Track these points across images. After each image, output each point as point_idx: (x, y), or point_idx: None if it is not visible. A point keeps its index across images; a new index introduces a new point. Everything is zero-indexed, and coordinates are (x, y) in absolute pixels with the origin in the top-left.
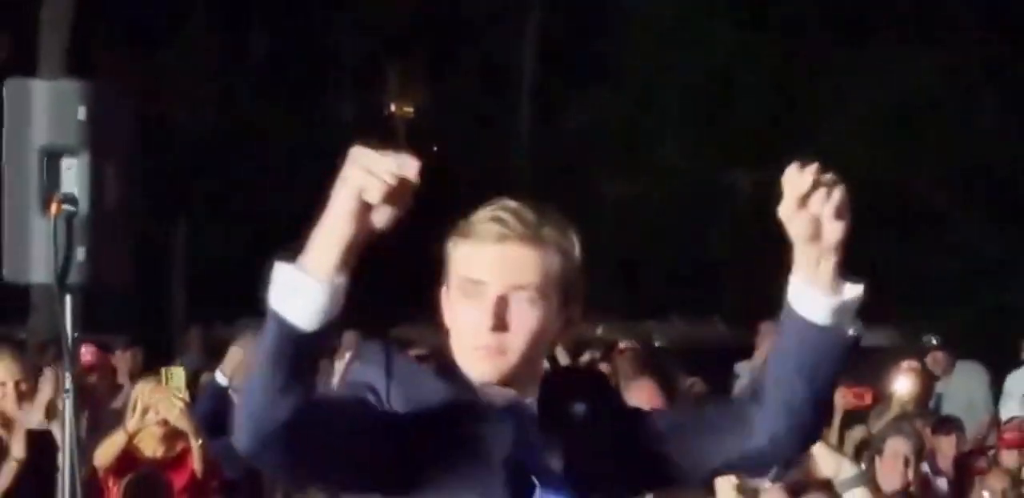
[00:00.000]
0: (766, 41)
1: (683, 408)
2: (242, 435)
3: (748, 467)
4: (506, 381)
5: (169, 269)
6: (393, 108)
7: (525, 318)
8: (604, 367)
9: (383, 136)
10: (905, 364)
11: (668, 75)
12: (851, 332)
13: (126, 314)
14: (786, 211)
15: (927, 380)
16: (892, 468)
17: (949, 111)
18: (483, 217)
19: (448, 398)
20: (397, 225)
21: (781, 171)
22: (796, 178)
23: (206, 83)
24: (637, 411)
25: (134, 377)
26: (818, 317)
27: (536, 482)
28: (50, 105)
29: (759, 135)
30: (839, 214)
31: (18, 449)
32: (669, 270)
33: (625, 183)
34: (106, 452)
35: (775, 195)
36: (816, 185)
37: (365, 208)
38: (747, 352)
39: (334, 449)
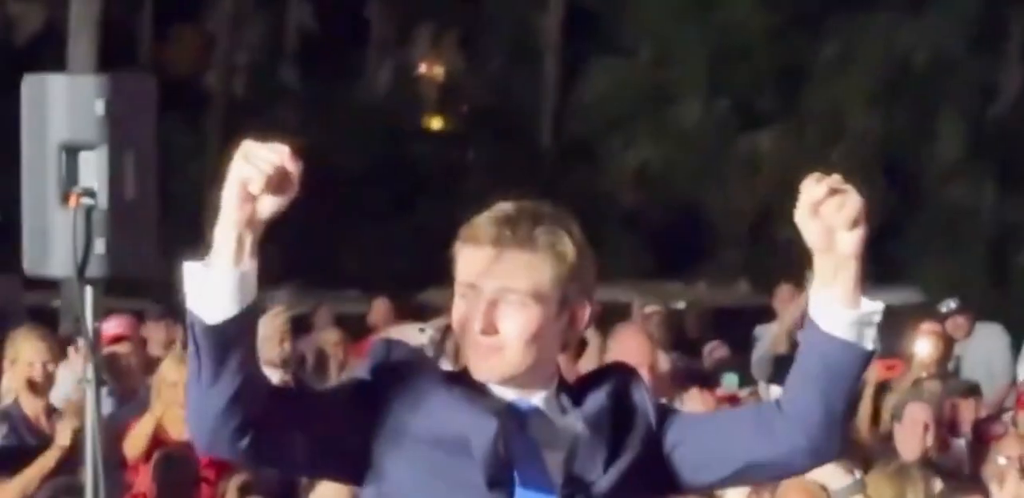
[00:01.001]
0: (781, 3)
1: (707, 415)
2: (193, 433)
3: (770, 474)
4: (507, 381)
5: (200, 234)
6: (423, 70)
7: (515, 320)
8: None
9: (414, 98)
10: (925, 327)
11: (687, 41)
12: (870, 347)
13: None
14: (800, 218)
15: (946, 343)
16: (911, 434)
17: (965, 70)
18: (482, 221)
19: (439, 396)
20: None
21: (800, 133)
22: (811, 186)
23: (241, 50)
24: (665, 411)
25: (168, 348)
26: (838, 330)
27: (516, 479)
28: (68, 100)
29: (779, 98)
30: (853, 224)
31: (63, 436)
32: (693, 233)
33: (648, 147)
34: (136, 443)
35: (795, 157)
36: (830, 194)
37: (250, 197)
38: (771, 315)
39: (287, 436)
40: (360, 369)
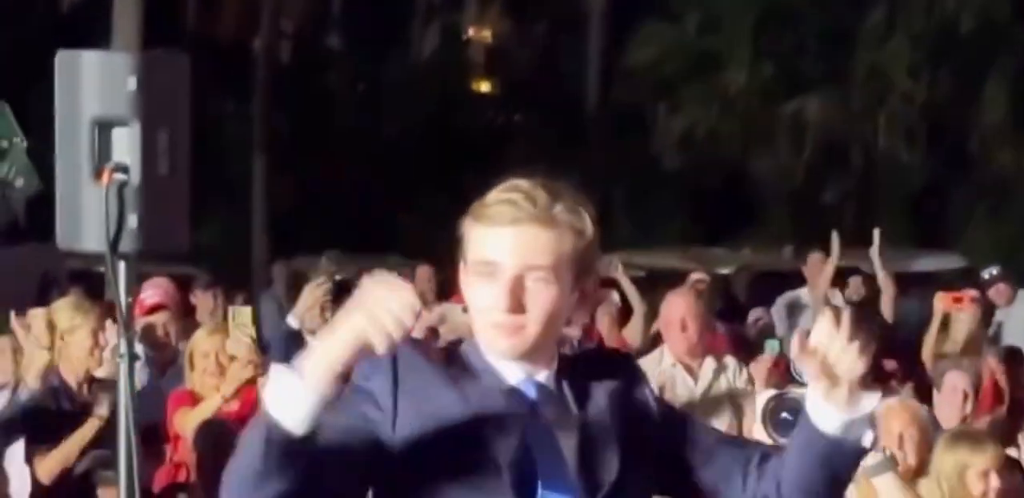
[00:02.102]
0: None
1: (706, 427)
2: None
3: None
4: (523, 357)
5: (248, 203)
6: (471, 33)
7: (540, 298)
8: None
9: (461, 63)
10: (964, 293)
11: (733, 6)
12: (863, 443)
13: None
14: (798, 353)
15: (986, 309)
16: (950, 402)
17: (1012, 34)
18: (495, 199)
19: (455, 410)
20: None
21: (846, 98)
22: (823, 334)
23: (287, 16)
24: (660, 405)
25: (215, 317)
26: (831, 429)
27: (540, 485)
28: (100, 76)
29: (824, 63)
30: (854, 367)
31: (101, 407)
32: (739, 198)
33: (694, 112)
34: (189, 421)
35: (841, 122)
36: (837, 347)
37: (366, 350)
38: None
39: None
40: (367, 380)
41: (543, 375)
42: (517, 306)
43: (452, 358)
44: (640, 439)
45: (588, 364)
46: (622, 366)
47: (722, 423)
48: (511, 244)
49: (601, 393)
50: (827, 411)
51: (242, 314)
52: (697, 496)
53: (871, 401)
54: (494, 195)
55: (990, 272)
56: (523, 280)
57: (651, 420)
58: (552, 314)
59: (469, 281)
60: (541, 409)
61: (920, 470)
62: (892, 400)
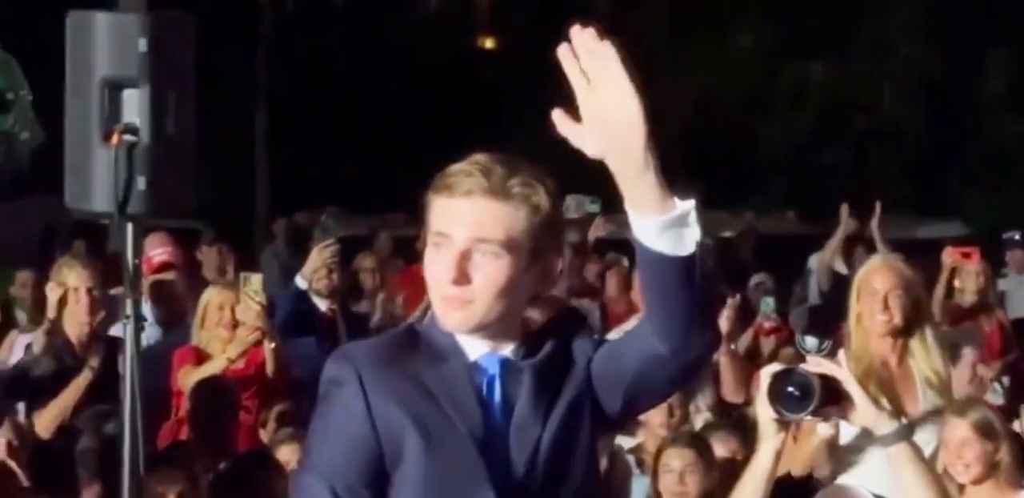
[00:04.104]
0: None
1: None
2: None
3: (655, 385)
4: (475, 332)
5: (251, 157)
6: None
7: (487, 271)
8: None
9: (467, 19)
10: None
11: None
12: (686, 252)
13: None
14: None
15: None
16: (964, 373)
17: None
18: (454, 171)
19: (417, 396)
20: None
21: (849, 64)
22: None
23: None
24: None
25: (222, 272)
26: (650, 241)
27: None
28: (111, 37)
29: (828, 28)
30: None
31: (94, 359)
32: (743, 162)
33: (699, 75)
34: (191, 378)
35: (844, 87)
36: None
37: None
38: (820, 244)
39: None
40: (339, 394)
41: (508, 349)
42: (461, 278)
43: (414, 338)
44: (577, 389)
45: (547, 333)
46: (567, 322)
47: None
48: (462, 216)
49: (543, 355)
50: (642, 221)
51: (254, 280)
52: (632, 401)
53: (684, 205)
54: (454, 167)
55: (1012, 236)
56: (471, 253)
57: (588, 366)
58: (501, 288)
59: (426, 252)
60: (500, 384)
61: (908, 331)
62: (875, 258)
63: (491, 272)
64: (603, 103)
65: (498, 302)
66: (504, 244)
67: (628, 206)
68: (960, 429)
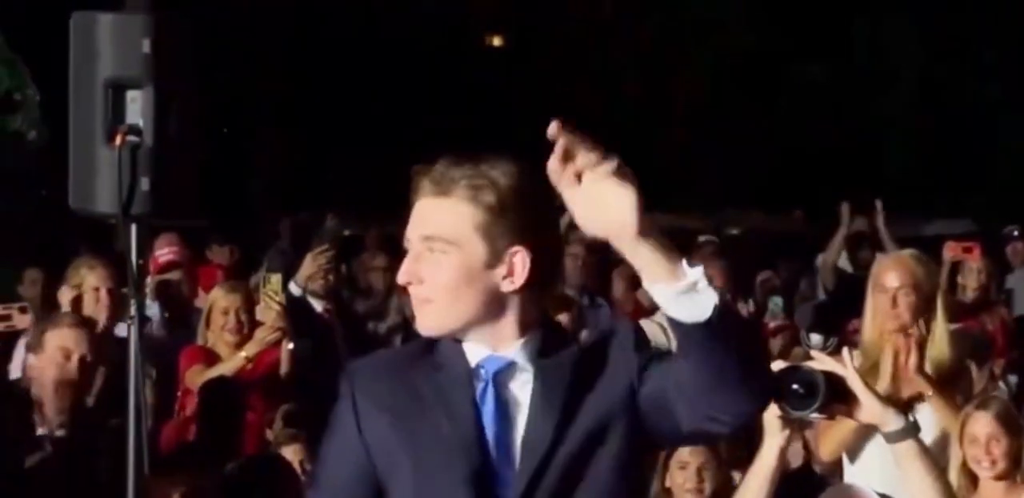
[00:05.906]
0: None
1: (664, 368)
2: None
3: (709, 437)
4: (455, 332)
5: (252, 159)
6: None
7: (436, 269)
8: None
9: (470, 16)
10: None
11: None
12: (704, 316)
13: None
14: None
15: (989, 270)
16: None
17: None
18: (416, 175)
19: (411, 406)
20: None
21: (850, 65)
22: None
23: None
24: (651, 360)
25: (230, 274)
26: (671, 310)
27: (494, 463)
28: (115, 38)
29: (829, 30)
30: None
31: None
32: (748, 161)
33: (703, 74)
34: (200, 377)
35: (846, 88)
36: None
37: None
38: (826, 243)
39: None
40: (334, 418)
41: (511, 350)
42: (410, 276)
43: (428, 348)
44: (608, 407)
45: (583, 342)
46: (610, 330)
47: None
48: (413, 217)
49: (559, 361)
50: (656, 290)
51: (274, 280)
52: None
53: (693, 272)
54: (419, 172)
55: (1012, 231)
56: (420, 252)
57: (631, 382)
58: (453, 284)
59: None
60: (494, 387)
61: (915, 323)
62: (889, 255)
63: (439, 269)
64: (595, 200)
65: (458, 299)
66: (449, 240)
67: (639, 274)
68: (984, 423)
